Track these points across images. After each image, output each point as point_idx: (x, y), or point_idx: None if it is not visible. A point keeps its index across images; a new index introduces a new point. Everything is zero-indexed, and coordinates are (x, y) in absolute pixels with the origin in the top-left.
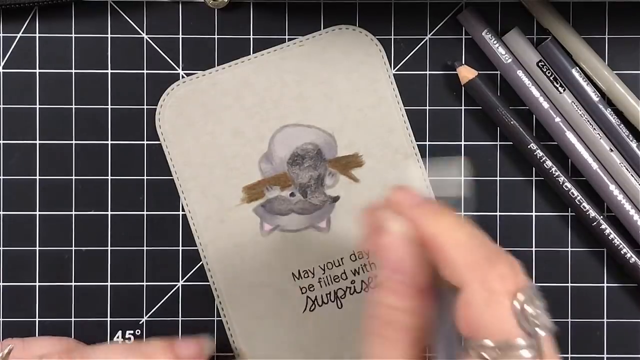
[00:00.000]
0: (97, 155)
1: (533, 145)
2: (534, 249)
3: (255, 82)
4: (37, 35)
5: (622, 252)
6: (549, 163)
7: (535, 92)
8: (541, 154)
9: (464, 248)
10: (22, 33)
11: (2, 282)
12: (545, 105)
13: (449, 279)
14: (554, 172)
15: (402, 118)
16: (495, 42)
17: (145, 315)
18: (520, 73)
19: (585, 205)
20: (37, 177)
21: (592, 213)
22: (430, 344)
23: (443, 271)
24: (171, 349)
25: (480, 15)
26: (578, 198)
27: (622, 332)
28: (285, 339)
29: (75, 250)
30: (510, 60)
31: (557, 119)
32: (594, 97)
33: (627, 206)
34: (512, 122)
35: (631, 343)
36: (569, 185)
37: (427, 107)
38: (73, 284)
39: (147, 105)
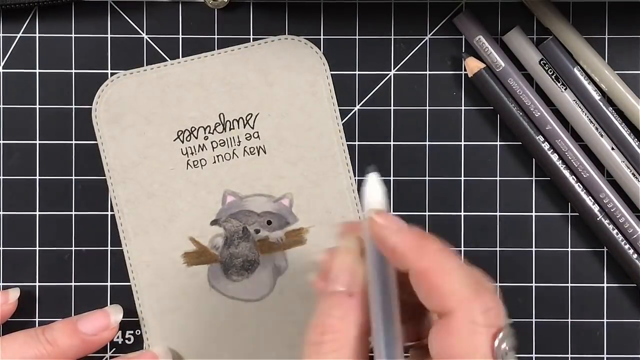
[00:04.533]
0: (98, 155)
1: (540, 138)
2: (534, 249)
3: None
4: (37, 35)
5: (625, 248)
6: (555, 156)
7: (528, 99)
8: (548, 146)
9: (451, 277)
10: (22, 33)
11: (2, 282)
12: (537, 113)
13: (429, 303)
14: (560, 165)
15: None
16: (487, 49)
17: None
18: (511, 81)
19: (591, 200)
20: (37, 177)
21: (597, 207)
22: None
23: (425, 297)
24: (74, 328)
25: (476, 19)
26: (584, 192)
27: (622, 332)
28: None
29: (75, 250)
30: (502, 68)
31: (549, 127)
32: (595, 95)
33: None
34: (520, 114)
35: (631, 343)
36: (575, 178)
37: (427, 107)
38: (73, 284)
39: None
